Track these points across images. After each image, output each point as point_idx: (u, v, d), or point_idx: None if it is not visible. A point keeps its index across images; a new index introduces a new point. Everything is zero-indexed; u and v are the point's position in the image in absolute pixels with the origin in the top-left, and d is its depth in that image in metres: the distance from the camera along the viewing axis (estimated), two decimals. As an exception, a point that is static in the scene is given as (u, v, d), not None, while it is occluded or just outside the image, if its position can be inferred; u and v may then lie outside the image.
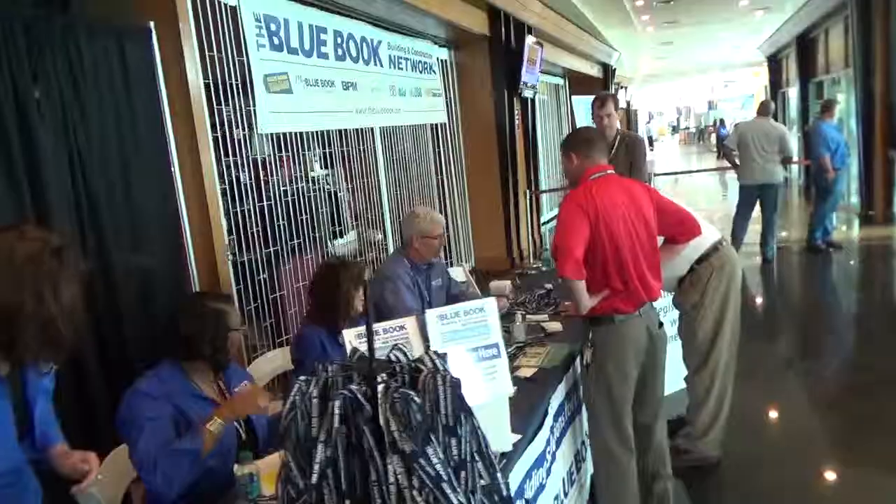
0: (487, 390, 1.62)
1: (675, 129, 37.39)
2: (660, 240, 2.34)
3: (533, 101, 7.77)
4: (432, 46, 6.12)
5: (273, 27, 3.73)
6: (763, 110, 6.78)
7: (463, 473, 1.18)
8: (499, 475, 1.29)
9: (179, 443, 1.76)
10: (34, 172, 2.30)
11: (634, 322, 2.21)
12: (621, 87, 16.28)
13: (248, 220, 3.57)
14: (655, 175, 7.78)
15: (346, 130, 4.76)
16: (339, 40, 4.46)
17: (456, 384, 1.19)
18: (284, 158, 4.03)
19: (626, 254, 2.17)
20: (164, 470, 1.72)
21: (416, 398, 1.13)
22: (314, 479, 1.11)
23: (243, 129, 3.58)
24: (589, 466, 2.53)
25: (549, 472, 2.04)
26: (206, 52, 3.23)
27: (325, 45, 4.30)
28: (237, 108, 3.49)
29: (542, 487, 1.95)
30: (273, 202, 3.84)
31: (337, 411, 1.11)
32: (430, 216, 2.95)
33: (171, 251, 2.93)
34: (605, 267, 2.17)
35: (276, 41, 3.77)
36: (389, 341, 1.59)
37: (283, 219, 3.92)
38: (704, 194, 12.97)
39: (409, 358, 1.25)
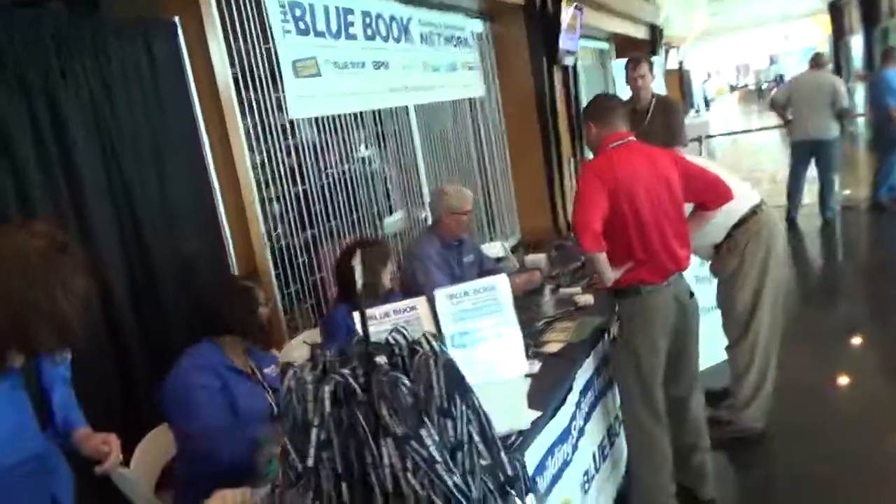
0: (501, 368, 1.61)
1: (732, 88, 35.79)
2: (689, 208, 2.26)
3: (575, 67, 7.56)
4: (465, 19, 6.03)
5: (298, 12, 3.74)
6: (816, 63, 6.41)
7: (460, 455, 1.18)
8: (503, 454, 1.29)
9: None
10: (70, 167, 2.40)
11: (662, 293, 2.15)
12: (672, 48, 15.66)
13: (290, 203, 3.66)
14: (707, 137, 7.46)
15: (380, 110, 4.77)
16: (367, 20, 4.44)
17: (449, 365, 1.19)
18: (332, 141, 4.09)
19: (649, 223, 2.11)
20: (229, 446, 1.80)
21: (405, 381, 1.13)
22: (310, 462, 1.13)
23: (287, 115, 3.62)
24: (623, 441, 2.49)
25: (575, 447, 2.02)
26: (233, 43, 3.28)
27: (353, 27, 4.29)
28: (266, 95, 3.53)
29: (567, 463, 1.93)
30: (308, 186, 3.89)
31: (328, 396, 1.13)
32: (458, 192, 2.94)
33: (208, 238, 3.03)
34: (628, 238, 2.12)
35: (302, 26, 3.78)
36: (400, 322, 1.59)
37: (319, 203, 3.94)
38: (767, 154, 12.40)
39: (408, 340, 1.25)
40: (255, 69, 3.47)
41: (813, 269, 5.68)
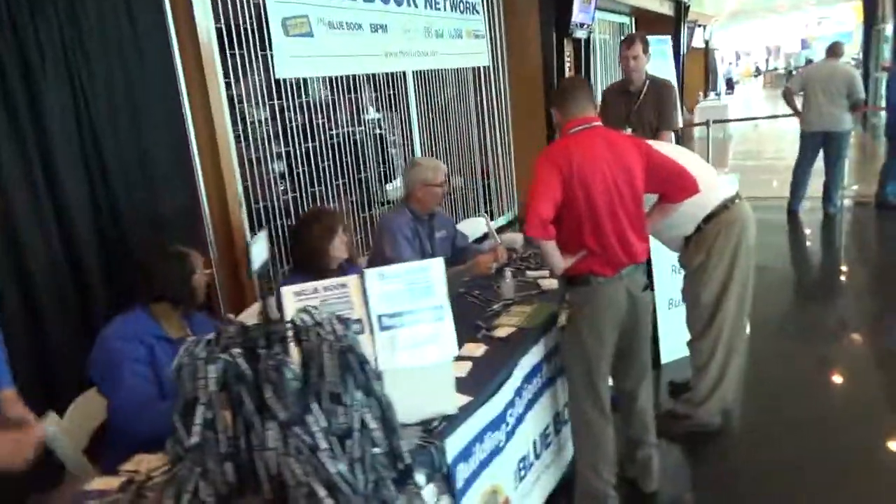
0: (430, 353, 1.59)
1: (758, 71, 34.88)
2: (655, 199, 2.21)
3: (588, 41, 7.39)
4: (476, -16, 5.88)
5: (291, -33, 3.66)
6: (833, 52, 6.20)
7: (349, 442, 1.17)
8: (401, 443, 1.28)
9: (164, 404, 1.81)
10: (38, 120, 2.38)
11: (613, 285, 2.11)
12: (698, 26, 15.25)
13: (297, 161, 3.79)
14: (715, 122, 7.29)
15: (376, 74, 4.69)
16: (367, -20, 4.34)
17: (347, 350, 1.17)
18: (338, 101, 4.16)
19: (603, 213, 2.06)
20: (149, 419, 1.78)
21: (291, 365, 1.12)
22: (195, 439, 1.13)
23: (274, 74, 3.57)
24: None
25: (511, 434, 2.01)
26: (219, -3, 3.22)
27: (352, -14, 4.19)
28: (252, 52, 3.47)
29: (498, 450, 1.93)
30: (318, 144, 3.97)
31: (213, 375, 1.12)
32: (431, 163, 2.90)
33: (181, 193, 3.01)
34: (580, 226, 2.07)
35: (295, -18, 3.70)
36: (330, 300, 1.58)
37: (328, 159, 4.07)
38: (791, 142, 12.07)
39: (315, 321, 1.24)
40: (241, 24, 3.41)
41: (807, 265, 5.58)
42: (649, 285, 2.24)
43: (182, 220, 2.98)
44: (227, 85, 3.29)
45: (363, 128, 4.82)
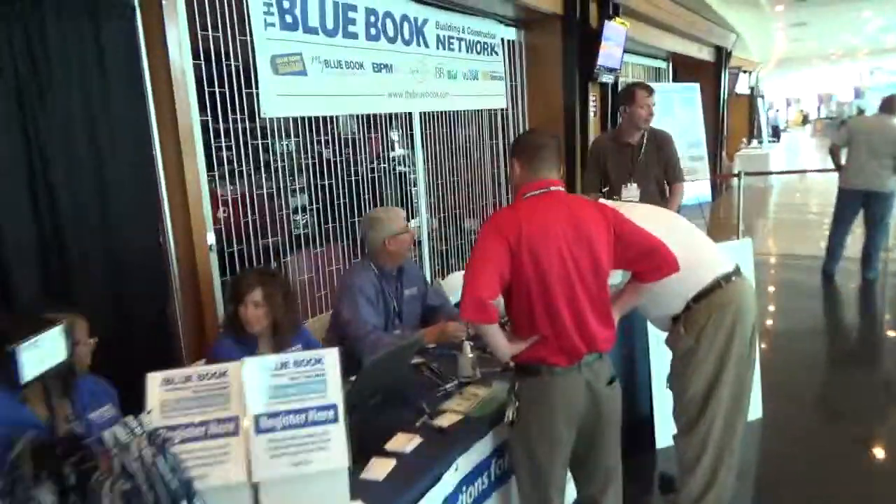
0: (316, 462, 1.33)
1: (805, 119, 33.90)
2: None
3: (615, 86, 7.13)
4: (497, 25, 5.72)
5: (286, 5, 3.54)
6: (886, 106, 5.80)
7: None
8: None
9: None
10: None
11: (570, 378, 1.81)
12: (743, 72, 14.86)
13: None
14: (747, 174, 6.91)
15: (380, 115, 4.56)
16: (372, 19, 4.20)
17: (131, 493, 0.93)
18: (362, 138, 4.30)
19: (557, 292, 1.78)
20: None
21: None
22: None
23: (259, 113, 3.46)
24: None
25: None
26: (200, 32, 3.10)
27: (355, 25, 4.06)
28: (235, 90, 3.34)
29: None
30: (336, 180, 4.07)
31: None
32: (391, 214, 2.68)
33: (147, 240, 2.86)
34: (531, 307, 1.79)
35: (288, 19, 3.57)
36: (202, 392, 1.34)
37: (345, 196, 4.16)
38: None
39: (118, 441, 1.00)
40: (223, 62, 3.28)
41: (839, 334, 5.14)
42: (615, 377, 1.93)
43: (143, 263, 2.82)
44: (206, 123, 3.16)
45: (386, 164, 4.74)
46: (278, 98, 3.51)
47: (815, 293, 5.84)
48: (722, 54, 11.78)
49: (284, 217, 3.81)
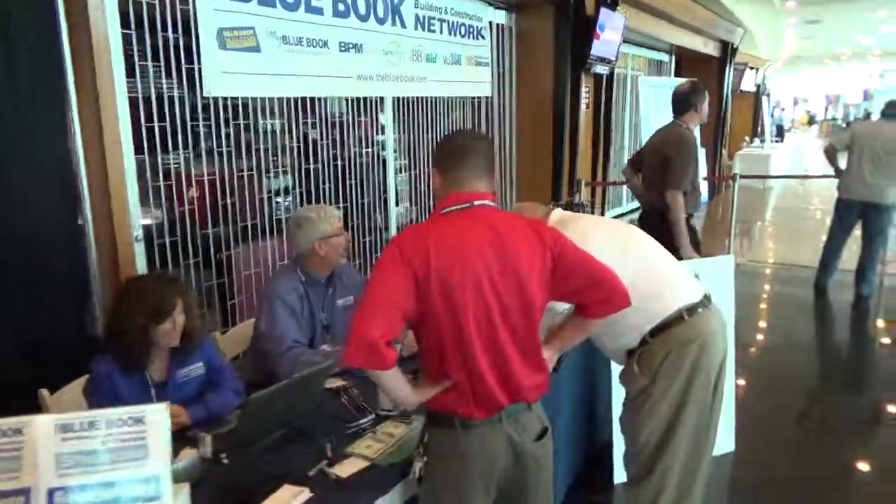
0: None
1: (811, 120, 33.35)
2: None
3: (610, 78, 6.80)
4: (485, 7, 5.38)
5: (239, -27, 3.21)
6: (889, 111, 5.45)
7: None
8: None
9: None
10: None
11: (487, 431, 1.51)
12: (749, 68, 14.44)
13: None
14: (743, 177, 6.58)
15: (348, 98, 4.25)
16: (340, -7, 3.87)
17: None
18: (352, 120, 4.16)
19: (472, 337, 1.46)
20: None
21: None
22: None
23: (202, 91, 3.17)
24: None
25: None
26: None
27: (320, -1, 3.72)
28: (172, 65, 3.03)
29: None
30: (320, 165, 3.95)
31: None
32: (323, 211, 2.35)
33: (64, 227, 2.57)
34: (441, 350, 1.48)
35: (241, -11, 3.24)
36: (111, 441, 1.05)
37: (330, 181, 4.06)
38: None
39: None
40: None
41: (827, 354, 4.86)
42: (547, 430, 1.63)
43: (60, 253, 2.53)
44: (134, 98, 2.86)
45: (370, 149, 4.46)
46: (224, 76, 3.20)
47: (805, 308, 5.55)
48: (728, 49, 11.39)
49: (264, 201, 3.67)
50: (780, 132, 19.15)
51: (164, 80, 3.00)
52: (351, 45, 3.98)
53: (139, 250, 2.91)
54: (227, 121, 3.34)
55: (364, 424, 1.86)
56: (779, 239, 8.75)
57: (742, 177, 6.29)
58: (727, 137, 12.64)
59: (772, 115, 19.22)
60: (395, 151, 4.71)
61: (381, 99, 4.50)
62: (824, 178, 7.80)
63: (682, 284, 1.99)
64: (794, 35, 15.63)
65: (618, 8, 6.17)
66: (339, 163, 4.17)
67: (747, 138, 15.41)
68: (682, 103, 3.81)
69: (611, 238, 1.91)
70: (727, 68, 11.36)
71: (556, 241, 1.55)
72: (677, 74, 10.10)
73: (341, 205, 4.18)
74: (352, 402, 1.97)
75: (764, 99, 16.73)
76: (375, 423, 1.87)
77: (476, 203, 1.53)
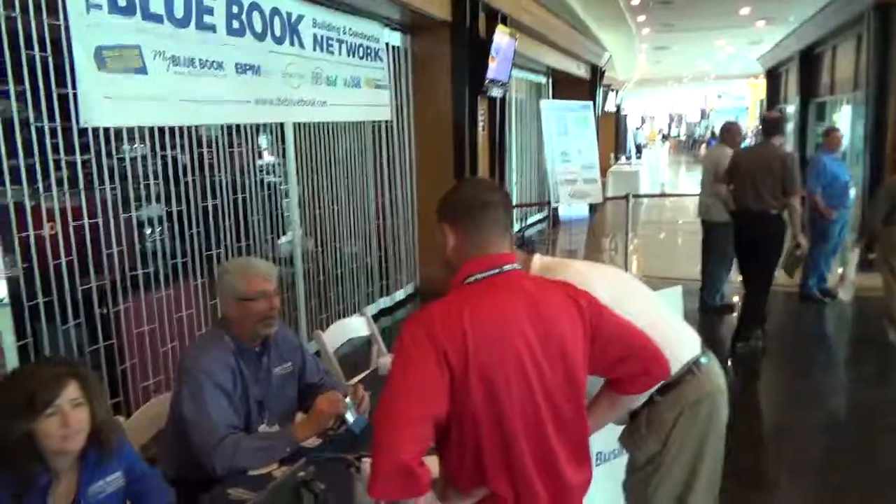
0: None
1: (664, 138, 36.36)
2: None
3: (503, 100, 6.79)
4: (381, 29, 5.13)
5: (120, -17, 2.73)
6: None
7: None
8: None
9: None
10: None
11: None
12: (611, 90, 15.32)
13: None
14: (635, 196, 6.78)
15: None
16: (234, 9, 3.46)
17: None
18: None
19: (521, 441, 1.18)
20: None
21: None
22: None
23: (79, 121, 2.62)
24: None
25: None
26: None
27: (212, 15, 3.30)
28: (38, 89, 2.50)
29: None
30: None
31: None
32: (243, 268, 1.91)
33: None
34: (479, 456, 1.18)
35: (122, 2, 2.76)
36: None
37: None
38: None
39: None
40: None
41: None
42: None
43: None
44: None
45: (251, 178, 3.95)
46: (106, 102, 2.69)
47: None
48: (596, 72, 11.97)
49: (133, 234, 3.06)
50: (639, 149, 20.48)
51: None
52: (248, 67, 3.57)
53: (3, 314, 2.34)
54: (85, 146, 2.76)
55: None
56: (654, 253, 9.05)
57: (636, 196, 6.45)
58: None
59: (635, 134, 20.49)
60: (296, 178, 4.30)
61: (281, 125, 4.11)
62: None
63: (685, 332, 1.82)
64: (646, 59, 16.83)
65: (505, 27, 6.14)
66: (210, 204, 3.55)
67: (612, 155, 16.28)
68: (774, 127, 4.63)
69: (614, 287, 1.69)
70: (597, 89, 11.91)
71: (590, 307, 1.29)
72: (554, 96, 10.39)
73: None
74: (317, 500, 1.59)
75: (626, 118, 17.81)
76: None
77: (506, 268, 1.26)
